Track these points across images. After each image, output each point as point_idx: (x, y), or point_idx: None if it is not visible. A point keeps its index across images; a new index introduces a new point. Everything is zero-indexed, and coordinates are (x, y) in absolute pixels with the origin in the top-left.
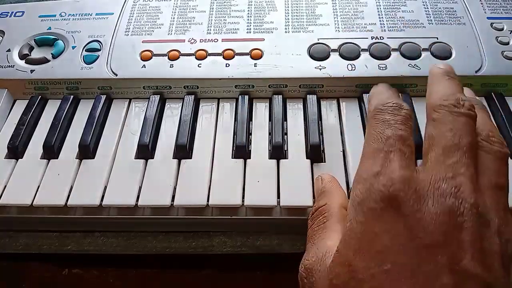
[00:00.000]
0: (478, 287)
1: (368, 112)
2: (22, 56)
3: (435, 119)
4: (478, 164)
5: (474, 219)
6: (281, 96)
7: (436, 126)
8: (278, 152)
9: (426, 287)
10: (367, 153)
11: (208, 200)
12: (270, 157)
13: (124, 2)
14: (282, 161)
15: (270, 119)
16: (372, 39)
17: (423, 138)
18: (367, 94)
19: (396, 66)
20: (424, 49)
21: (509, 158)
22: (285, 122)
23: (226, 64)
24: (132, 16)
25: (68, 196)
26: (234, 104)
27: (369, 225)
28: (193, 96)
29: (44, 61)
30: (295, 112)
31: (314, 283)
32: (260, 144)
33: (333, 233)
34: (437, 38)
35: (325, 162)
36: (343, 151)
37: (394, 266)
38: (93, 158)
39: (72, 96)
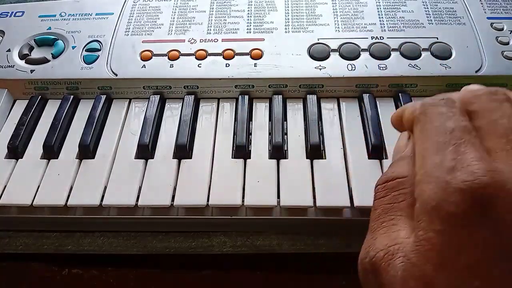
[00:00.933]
0: None
1: (410, 114)
2: (22, 56)
3: (476, 111)
4: None
5: None
6: (281, 96)
7: (482, 115)
8: (278, 152)
9: None
10: (430, 149)
11: (208, 200)
12: (270, 157)
13: (124, 2)
14: (282, 161)
15: (270, 119)
16: (372, 39)
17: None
18: (367, 94)
19: (396, 66)
20: (424, 49)
21: None
22: (285, 122)
23: (226, 64)
24: (132, 16)
25: (68, 196)
26: (234, 104)
27: (452, 235)
28: (193, 96)
29: (44, 61)
30: (295, 112)
31: (383, 285)
32: (260, 144)
33: (409, 221)
34: (437, 38)
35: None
36: (343, 151)
37: (485, 281)
38: (93, 158)
39: (72, 96)
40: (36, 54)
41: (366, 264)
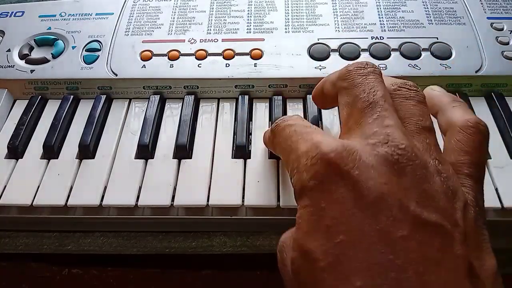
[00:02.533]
0: (430, 230)
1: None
2: (22, 56)
3: (346, 87)
4: (400, 112)
5: (410, 163)
6: (281, 96)
7: (348, 93)
8: None
9: (381, 247)
10: (285, 150)
11: (208, 200)
12: (270, 157)
13: (124, 2)
14: (282, 161)
15: (270, 119)
16: (372, 39)
17: (340, 114)
18: None
19: (396, 66)
20: (424, 49)
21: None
22: None
23: (226, 64)
24: (132, 16)
25: (68, 196)
26: (234, 104)
27: (315, 203)
28: (193, 96)
29: (44, 61)
30: (295, 112)
31: (284, 261)
32: (260, 144)
33: None
34: (437, 38)
35: None
36: None
37: (346, 235)
38: (93, 158)
39: (72, 96)
40: (36, 54)
41: (278, 248)
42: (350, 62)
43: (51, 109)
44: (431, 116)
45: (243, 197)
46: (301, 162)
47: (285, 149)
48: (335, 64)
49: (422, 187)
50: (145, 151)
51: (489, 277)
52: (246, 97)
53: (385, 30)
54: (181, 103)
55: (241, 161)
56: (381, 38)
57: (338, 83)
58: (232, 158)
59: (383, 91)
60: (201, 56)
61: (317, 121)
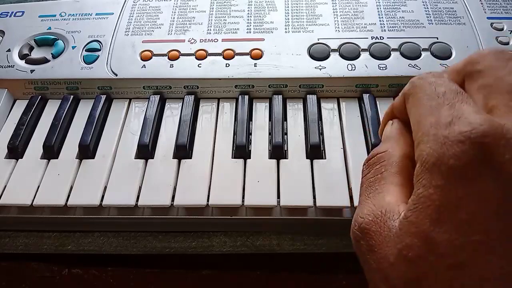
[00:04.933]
0: None
1: (401, 95)
2: (22, 56)
3: (482, 70)
4: None
5: None
6: (281, 96)
7: (487, 74)
8: (278, 152)
9: None
10: (424, 113)
11: (208, 200)
12: (270, 157)
13: (124, 2)
14: (282, 161)
15: (270, 119)
16: (372, 39)
17: (475, 99)
18: (367, 94)
19: (396, 66)
20: (424, 49)
21: None
22: (285, 122)
23: (226, 64)
24: (132, 16)
25: (68, 196)
26: (234, 104)
27: (451, 189)
28: (193, 96)
29: (44, 61)
30: (295, 112)
31: (375, 246)
32: (260, 144)
33: (393, 186)
34: (437, 38)
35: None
36: (344, 151)
37: (484, 235)
38: (93, 158)
39: (72, 96)
40: (36, 54)
41: (356, 232)
42: (352, 62)
43: (51, 109)
44: None
45: (243, 197)
46: (443, 131)
47: (422, 110)
48: (335, 64)
49: None
50: (145, 151)
51: None
52: (246, 97)
53: (385, 30)
54: (181, 103)
55: (241, 161)
56: (381, 38)
57: (468, 68)
58: (232, 158)
59: None
60: (201, 56)
61: (317, 121)
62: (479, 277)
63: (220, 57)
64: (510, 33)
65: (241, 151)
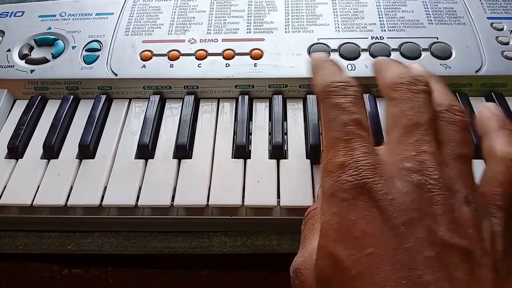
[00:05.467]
0: (459, 254)
1: (315, 87)
2: (22, 56)
3: (395, 98)
4: (441, 135)
5: (441, 192)
6: (281, 96)
7: (396, 105)
8: (278, 152)
9: (410, 263)
10: (327, 144)
11: (208, 200)
12: (270, 157)
13: (124, 2)
14: (282, 161)
15: (270, 119)
16: (372, 39)
17: (386, 119)
18: (367, 94)
19: None
20: (424, 49)
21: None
22: (285, 122)
23: (226, 64)
24: (132, 16)
25: (68, 196)
26: (234, 104)
27: (344, 215)
28: (193, 96)
29: (44, 61)
30: (295, 112)
31: (303, 281)
32: (260, 144)
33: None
34: (437, 38)
35: None
36: None
37: (375, 248)
38: (93, 158)
39: (72, 96)
40: (36, 54)
41: (291, 275)
42: (352, 62)
43: (51, 109)
44: (472, 143)
45: (243, 197)
46: (337, 171)
47: (326, 140)
48: None
49: (452, 215)
50: (145, 151)
51: None
52: (246, 97)
53: (385, 30)
54: (181, 103)
55: (241, 161)
56: (381, 38)
57: (387, 91)
58: (232, 158)
59: (429, 114)
60: (201, 56)
61: (317, 121)
62: (377, 283)
63: (220, 57)
64: (510, 33)
65: (241, 151)
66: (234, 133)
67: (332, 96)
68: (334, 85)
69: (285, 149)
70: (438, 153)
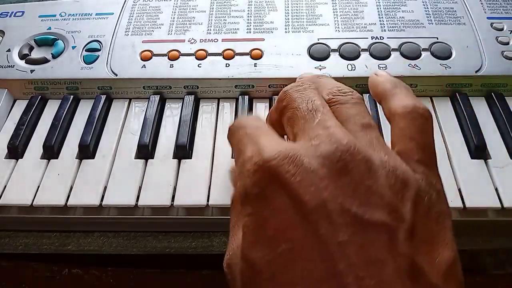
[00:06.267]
0: (374, 230)
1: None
2: (22, 56)
3: (285, 105)
4: (339, 117)
5: (353, 159)
6: None
7: (288, 108)
8: None
9: (323, 253)
10: (239, 148)
11: (208, 200)
12: None
13: (124, 2)
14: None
15: None
16: (372, 39)
17: (286, 131)
18: (367, 94)
19: (396, 66)
20: (424, 49)
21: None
22: None
23: (226, 64)
24: (132, 16)
25: (68, 196)
26: (234, 104)
27: (257, 213)
28: (193, 96)
29: (44, 61)
30: None
31: (233, 279)
32: None
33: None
34: (437, 38)
35: None
36: None
37: (288, 244)
38: (93, 158)
39: (72, 96)
40: (36, 54)
41: (225, 270)
42: (352, 62)
43: (51, 109)
44: (370, 114)
45: None
46: (246, 167)
47: (236, 152)
48: (335, 64)
49: (365, 184)
50: (145, 151)
51: (440, 271)
52: (246, 97)
53: (385, 30)
54: (181, 103)
55: None
56: (381, 38)
57: (279, 105)
58: (232, 158)
59: (320, 100)
60: (201, 56)
61: None
62: (291, 282)
63: (220, 57)
64: (510, 33)
65: None
66: None
67: (236, 127)
68: (241, 120)
69: None
70: (342, 127)
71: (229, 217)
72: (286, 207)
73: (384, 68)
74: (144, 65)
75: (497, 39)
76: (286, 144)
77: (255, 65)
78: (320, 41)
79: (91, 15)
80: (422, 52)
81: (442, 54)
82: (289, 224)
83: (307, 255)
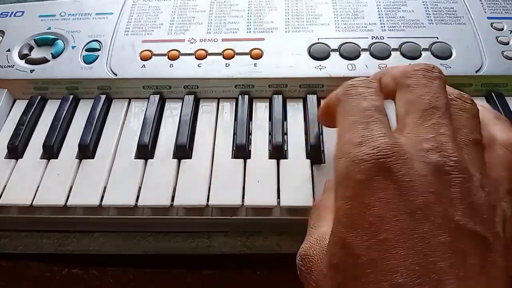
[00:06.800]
0: (473, 239)
1: (335, 95)
2: (22, 56)
3: (409, 85)
4: (454, 121)
5: (460, 175)
6: (281, 96)
7: (412, 90)
8: (278, 152)
9: (424, 249)
10: (344, 127)
11: (208, 200)
12: (270, 157)
13: (124, 2)
14: (282, 161)
15: (270, 119)
16: (372, 38)
17: (397, 110)
18: None
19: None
20: (424, 49)
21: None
22: (285, 122)
23: (226, 64)
24: (132, 16)
25: (68, 196)
26: (234, 104)
27: (358, 198)
28: (193, 96)
29: (44, 61)
30: (295, 112)
31: (311, 267)
32: (260, 144)
33: (327, 221)
34: (437, 38)
35: (325, 163)
36: None
37: (389, 233)
38: (93, 158)
39: (72, 96)
40: (36, 54)
41: (298, 262)
42: (352, 61)
43: (51, 109)
44: (480, 131)
45: (243, 197)
46: (353, 150)
47: (343, 124)
48: (335, 64)
49: (468, 200)
50: (145, 151)
51: None
52: (246, 97)
53: (385, 30)
54: (181, 103)
55: (241, 161)
56: (381, 38)
57: (401, 80)
58: (232, 158)
59: (445, 99)
60: (201, 56)
61: (317, 121)
62: (391, 269)
63: (220, 57)
64: (510, 33)
65: (241, 151)
66: (234, 133)
67: (357, 87)
68: (358, 79)
69: (285, 149)
70: (455, 137)
71: (228, 217)
72: (391, 201)
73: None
74: (144, 65)
75: (497, 39)
76: (399, 141)
77: (255, 65)
78: (320, 40)
79: (91, 15)
80: (422, 52)
81: (442, 54)
82: (391, 216)
83: (409, 247)
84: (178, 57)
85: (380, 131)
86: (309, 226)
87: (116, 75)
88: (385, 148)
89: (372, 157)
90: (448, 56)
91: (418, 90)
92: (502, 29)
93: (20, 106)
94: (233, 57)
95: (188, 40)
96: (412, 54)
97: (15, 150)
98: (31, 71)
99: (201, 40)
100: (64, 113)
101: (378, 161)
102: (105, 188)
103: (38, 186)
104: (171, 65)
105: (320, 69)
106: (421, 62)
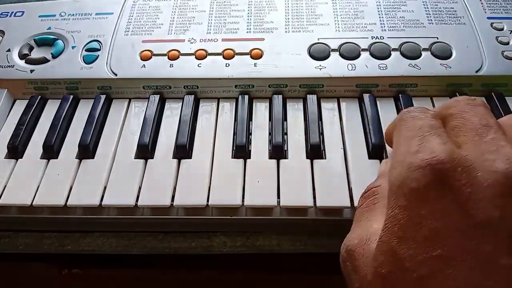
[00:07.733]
0: None
1: (391, 123)
2: (22, 56)
3: (452, 114)
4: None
5: None
6: (281, 96)
7: (457, 117)
8: (278, 152)
9: (485, 270)
10: (400, 141)
11: (208, 200)
12: (270, 157)
13: (124, 2)
14: (282, 161)
15: (270, 119)
16: (372, 38)
17: None
18: (367, 94)
19: (396, 66)
20: (425, 49)
21: None
22: (285, 122)
23: (226, 64)
24: (132, 16)
25: (68, 196)
26: (234, 104)
27: (413, 208)
28: (193, 96)
29: (44, 61)
30: (295, 112)
31: (357, 267)
32: (260, 144)
33: (381, 216)
34: (437, 38)
35: (325, 158)
36: (344, 151)
37: (446, 250)
38: (93, 158)
39: (72, 96)
40: (36, 54)
41: (343, 254)
42: (352, 61)
43: (51, 109)
44: None
45: (243, 197)
46: (409, 158)
47: (399, 141)
48: (335, 64)
49: None
50: (145, 151)
51: None
52: (246, 97)
53: (385, 30)
54: (181, 103)
55: (241, 161)
56: (381, 38)
57: (443, 111)
58: (232, 158)
59: (493, 118)
60: (201, 56)
61: (317, 121)
62: None
63: (220, 57)
64: (510, 33)
65: (241, 151)
66: (234, 133)
67: (412, 112)
68: (414, 107)
69: (285, 149)
70: None
71: (228, 217)
72: (449, 214)
73: (384, 68)
74: (144, 65)
75: (497, 39)
76: (459, 151)
77: (255, 65)
78: (320, 40)
79: (91, 15)
80: (422, 52)
81: (442, 54)
82: (449, 231)
83: (465, 267)
84: (178, 57)
85: (439, 140)
86: (359, 212)
87: (116, 75)
88: (444, 153)
89: (429, 162)
90: (448, 56)
91: (464, 114)
92: (502, 29)
93: (20, 106)
94: (233, 57)
95: (188, 40)
96: (412, 54)
97: (15, 150)
98: (31, 71)
99: (201, 40)
100: (64, 113)
101: (434, 167)
102: (105, 188)
103: (38, 186)
104: (171, 65)
105: (320, 69)
106: (419, 62)
